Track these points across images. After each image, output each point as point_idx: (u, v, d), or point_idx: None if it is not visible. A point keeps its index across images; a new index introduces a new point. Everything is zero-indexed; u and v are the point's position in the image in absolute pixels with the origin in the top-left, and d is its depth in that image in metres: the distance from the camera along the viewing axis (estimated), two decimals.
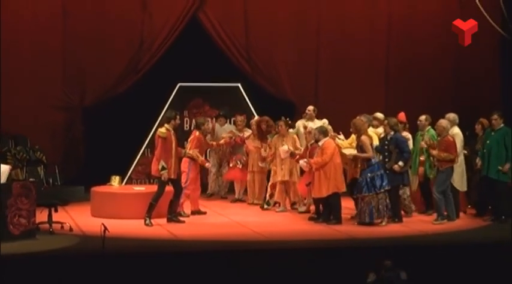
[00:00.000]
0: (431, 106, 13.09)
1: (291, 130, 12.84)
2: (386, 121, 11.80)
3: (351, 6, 15.29)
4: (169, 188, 11.80)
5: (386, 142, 11.62)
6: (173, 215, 11.68)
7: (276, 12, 15.11)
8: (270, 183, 12.98)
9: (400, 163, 11.48)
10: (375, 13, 15.42)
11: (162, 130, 11.53)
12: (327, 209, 11.67)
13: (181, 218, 11.84)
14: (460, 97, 15.30)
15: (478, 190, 12.26)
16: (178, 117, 11.70)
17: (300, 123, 13.25)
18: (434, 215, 11.80)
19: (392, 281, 8.84)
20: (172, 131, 11.59)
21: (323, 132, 11.67)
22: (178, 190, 11.76)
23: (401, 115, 12.46)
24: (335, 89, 15.20)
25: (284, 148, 12.33)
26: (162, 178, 11.41)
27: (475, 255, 9.97)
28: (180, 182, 11.87)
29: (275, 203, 12.89)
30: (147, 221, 11.39)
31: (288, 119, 12.85)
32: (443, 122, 11.74)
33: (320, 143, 11.57)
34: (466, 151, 12.29)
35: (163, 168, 11.36)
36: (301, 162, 11.88)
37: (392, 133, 11.63)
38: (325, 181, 11.44)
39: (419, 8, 15.44)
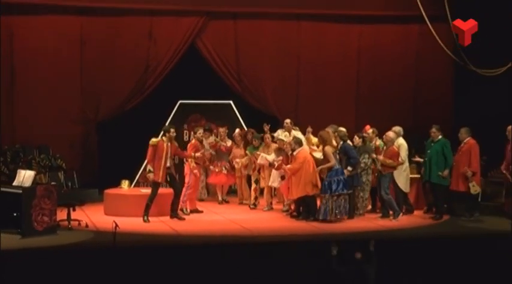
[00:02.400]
0: (394, 120, 13.08)
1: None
2: (336, 133, 11.76)
3: (326, 37, 15.30)
4: (168, 190, 11.81)
5: (338, 151, 11.61)
6: (175, 213, 11.64)
7: (262, 41, 15.11)
8: (253, 187, 12.95)
9: (349, 168, 11.46)
10: (347, 43, 15.45)
11: (153, 139, 11.54)
12: (305, 208, 11.67)
13: (183, 216, 11.80)
14: (417, 113, 15.35)
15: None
16: (173, 130, 11.61)
17: (280, 132, 13.09)
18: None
19: (363, 270, 8.76)
20: (167, 142, 11.53)
21: (298, 142, 11.66)
22: (176, 190, 11.71)
23: (367, 128, 12.47)
24: (313, 106, 15.19)
25: (261, 158, 12.31)
26: (150, 180, 11.51)
27: (435, 247, 10.02)
28: (177, 183, 11.80)
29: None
30: (145, 218, 11.37)
31: (269, 126, 12.87)
32: (390, 134, 11.78)
33: (295, 152, 11.55)
34: (422, 159, 12.28)
35: (149, 171, 11.43)
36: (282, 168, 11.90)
37: (341, 142, 11.63)
38: (296, 185, 11.42)
39: (384, 39, 15.45)
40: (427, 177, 11.82)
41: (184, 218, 11.70)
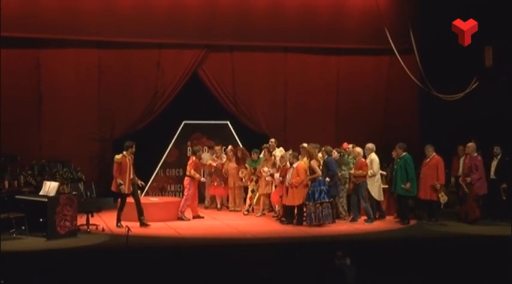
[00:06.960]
0: (367, 138, 13.12)
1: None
2: (323, 148, 11.77)
3: (310, 67, 15.34)
4: (173, 199, 11.73)
5: (322, 164, 11.62)
6: (142, 221, 11.21)
7: (255, 70, 15.13)
8: (249, 196, 12.92)
9: (327, 179, 11.45)
10: (327, 72, 15.47)
11: (117, 156, 11.20)
12: (292, 214, 11.63)
13: (185, 219, 11.65)
14: (388, 132, 15.36)
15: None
16: (134, 146, 11.30)
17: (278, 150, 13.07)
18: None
19: (342, 268, 8.65)
20: (129, 157, 11.25)
21: (295, 156, 11.66)
22: (136, 199, 11.36)
23: (345, 145, 12.50)
24: (298, 126, 15.19)
25: (265, 169, 12.31)
26: (122, 192, 11.10)
27: (404, 247, 10.06)
28: (137, 193, 11.44)
29: (253, 210, 12.88)
30: (119, 224, 11.12)
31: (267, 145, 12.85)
32: (357, 149, 11.91)
33: (294, 165, 11.51)
34: (385, 173, 12.30)
35: (120, 184, 11.09)
36: (275, 175, 11.84)
37: (326, 157, 11.64)
38: (298, 193, 11.37)
39: (359, 68, 15.49)
40: (393, 189, 11.85)
41: (149, 225, 11.18)
